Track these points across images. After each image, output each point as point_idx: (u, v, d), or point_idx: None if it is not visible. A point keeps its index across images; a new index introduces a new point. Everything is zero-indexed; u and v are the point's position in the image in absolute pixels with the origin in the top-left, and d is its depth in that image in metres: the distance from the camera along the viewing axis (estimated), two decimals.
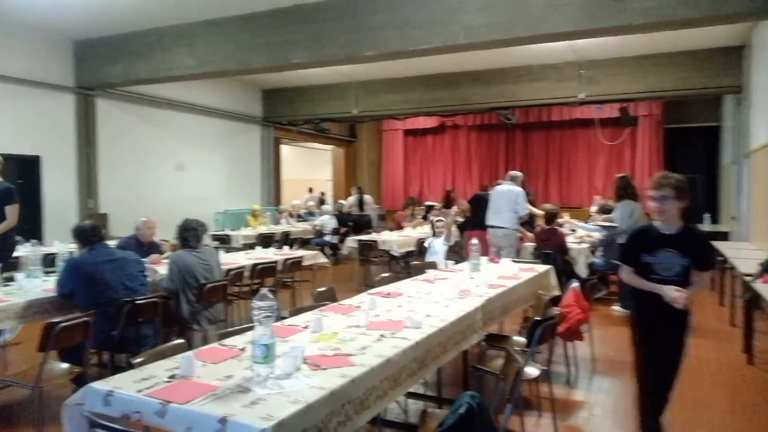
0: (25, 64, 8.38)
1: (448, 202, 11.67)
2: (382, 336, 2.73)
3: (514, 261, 5.57)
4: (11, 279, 4.37)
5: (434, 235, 6.83)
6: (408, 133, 16.25)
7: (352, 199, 13.78)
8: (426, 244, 6.84)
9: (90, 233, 3.85)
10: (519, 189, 7.36)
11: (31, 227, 8.31)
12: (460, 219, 9.01)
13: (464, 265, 5.02)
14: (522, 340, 3.79)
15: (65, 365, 3.54)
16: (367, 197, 13.94)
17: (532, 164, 14.61)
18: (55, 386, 3.59)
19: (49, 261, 5.50)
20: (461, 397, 2.05)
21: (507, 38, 6.48)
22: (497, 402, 2.59)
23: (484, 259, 5.10)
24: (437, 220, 7.09)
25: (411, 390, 3.22)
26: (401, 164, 16.37)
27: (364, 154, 16.88)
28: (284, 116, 13.42)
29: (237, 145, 12.91)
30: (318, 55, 7.42)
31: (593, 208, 10.06)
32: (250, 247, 8.40)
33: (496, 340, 4.08)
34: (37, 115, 8.62)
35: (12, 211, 5.15)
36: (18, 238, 6.49)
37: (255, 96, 13.29)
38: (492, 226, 7.27)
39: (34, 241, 6.83)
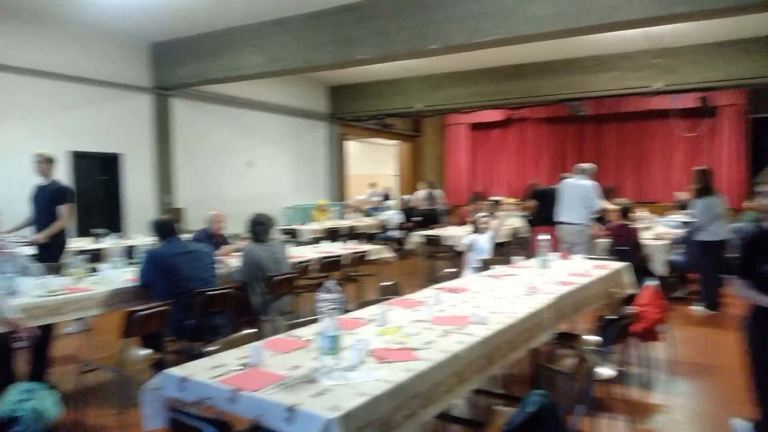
0: (107, 67, 8.87)
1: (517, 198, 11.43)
2: (447, 331, 2.69)
3: (586, 258, 5.37)
4: (95, 270, 4.63)
5: (476, 231, 6.53)
6: (473, 126, 16.02)
7: (421, 193, 13.73)
8: (467, 242, 6.47)
9: (167, 227, 4.02)
10: (591, 182, 7.09)
11: (114, 221, 8.82)
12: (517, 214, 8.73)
13: (532, 262, 4.90)
14: (594, 339, 3.65)
15: (145, 351, 3.72)
16: (437, 192, 13.85)
17: (603, 157, 14.04)
18: (135, 371, 3.79)
19: (130, 253, 5.79)
20: (530, 396, 1.99)
21: (576, 27, 6.26)
22: (567, 402, 2.51)
23: (553, 256, 4.95)
24: (480, 216, 6.81)
25: (478, 387, 3.17)
26: (466, 159, 16.17)
27: (428, 149, 16.81)
28: (349, 112, 13.57)
29: (303, 141, 13.17)
30: (382, 50, 7.44)
31: (680, 201, 9.46)
32: (316, 241, 8.55)
33: (567, 338, 3.95)
34: (117, 115, 9.12)
35: (64, 211, 5.21)
36: (101, 230, 6.90)
37: (320, 93, 13.50)
38: (563, 222, 7.03)
39: (117, 234, 7.23)
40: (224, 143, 11.06)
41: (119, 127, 9.17)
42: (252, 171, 11.66)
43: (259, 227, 4.63)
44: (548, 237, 4.75)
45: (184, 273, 3.95)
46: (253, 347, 2.28)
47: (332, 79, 12.77)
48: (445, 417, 3.19)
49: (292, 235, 9.65)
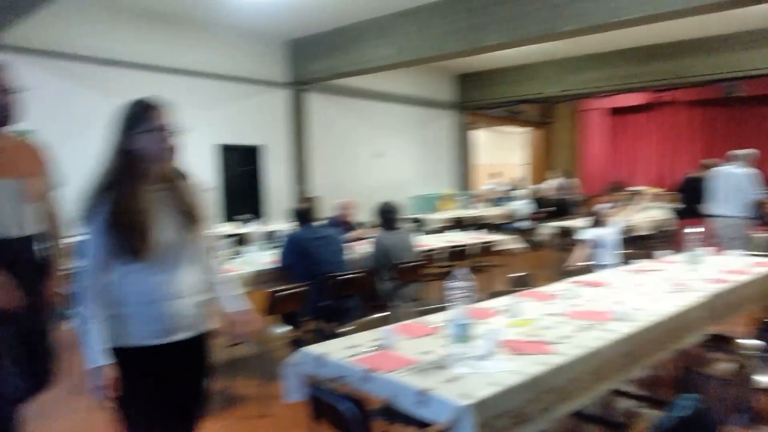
0: (248, 65, 9.52)
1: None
2: (584, 326, 2.56)
3: (744, 254, 4.83)
4: (240, 252, 5.02)
5: (596, 225, 5.95)
6: (611, 112, 15.03)
7: (553, 182, 13.20)
8: (585, 237, 5.85)
9: (304, 213, 4.26)
10: (749, 170, 6.35)
11: (256, 208, 9.51)
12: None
13: (679, 257, 4.50)
14: (754, 343, 3.28)
15: (283, 329, 3.97)
16: (571, 181, 13.24)
17: (763, 143, 12.51)
18: (275, 346, 4.06)
19: (270, 237, 6.19)
20: (680, 399, 1.83)
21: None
22: (720, 409, 2.28)
23: (704, 251, 4.51)
24: (603, 208, 6.24)
25: (617, 387, 2.99)
26: (602, 146, 15.22)
27: (560, 136, 16.07)
28: (476, 100, 13.36)
29: (430, 131, 13.20)
30: (513, 35, 7.22)
31: None
32: (442, 230, 8.56)
33: (720, 341, 3.58)
34: (258, 109, 9.78)
35: None
36: (245, 216, 7.47)
37: (447, 82, 13.43)
38: (717, 215, 6.38)
39: (259, 219, 7.79)
40: (354, 134, 11.43)
41: (260, 121, 9.83)
42: (380, 161, 11.93)
43: (388, 216, 4.73)
44: (699, 230, 4.32)
45: (317, 257, 4.15)
46: (386, 330, 2.33)
47: (460, 67, 12.64)
48: (581, 415, 3.04)
49: (418, 224, 9.74)
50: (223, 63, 9.14)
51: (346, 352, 2.20)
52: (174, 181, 1.98)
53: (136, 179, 1.88)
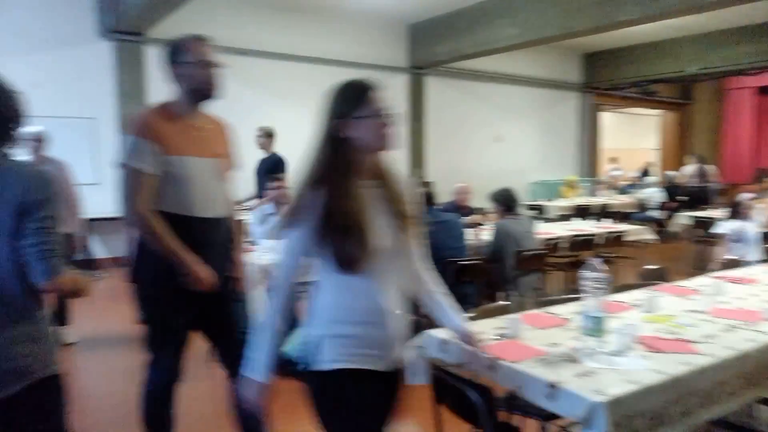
0: (371, 51, 9.67)
1: None
2: (732, 326, 2.34)
3: None
4: None
5: (736, 217, 5.30)
6: (757, 91, 13.48)
7: (689, 169, 12.15)
8: (725, 229, 5.23)
9: (424, 197, 4.27)
10: None
11: None
12: None
13: None
14: None
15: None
16: (709, 167, 12.13)
17: None
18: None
19: None
20: None
21: None
22: None
23: None
24: (744, 199, 5.53)
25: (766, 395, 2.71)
26: (750, 129, 13.72)
27: (699, 118, 14.69)
28: (605, 80, 12.57)
29: (552, 113, 12.66)
30: (650, 9, 6.67)
31: None
32: (564, 218, 8.21)
33: None
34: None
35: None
36: None
37: (573, 61, 12.76)
38: None
39: None
40: (472, 118, 11.25)
41: None
42: (498, 145, 11.66)
43: (509, 201, 4.61)
44: None
45: (436, 242, 4.14)
46: (512, 319, 2.28)
47: (588, 45, 11.94)
48: (722, 423, 2.80)
49: (538, 211, 9.43)
50: (347, 50, 9.36)
51: None
52: (385, 177, 1.69)
53: (349, 173, 1.60)
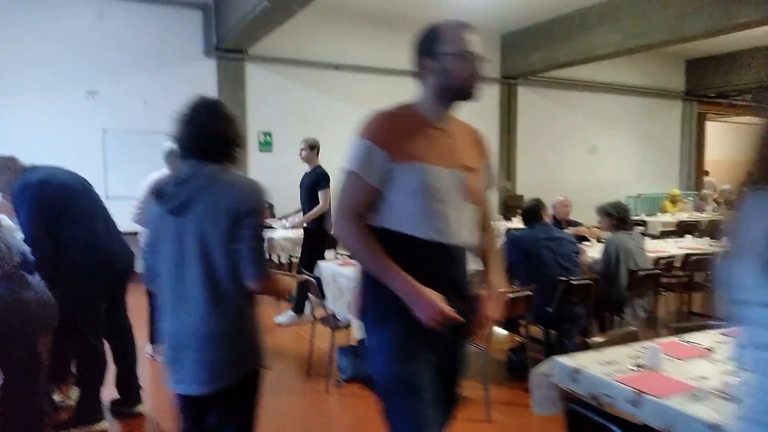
0: None
1: None
2: None
3: None
4: None
5: None
6: None
7: None
8: None
9: (533, 212, 4.08)
10: None
11: None
12: None
13: None
14: None
15: (505, 333, 3.86)
16: None
17: None
18: (495, 350, 3.96)
19: None
20: None
21: None
22: None
23: None
24: None
25: None
26: None
27: None
28: (712, 88, 11.76)
29: (653, 123, 11.97)
30: None
31: None
32: (668, 234, 7.67)
33: None
34: (469, 105, 9.75)
35: (323, 197, 5.16)
36: None
37: (676, 68, 12.03)
38: None
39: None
40: (565, 128, 10.84)
41: (469, 118, 9.80)
42: (594, 157, 11.16)
43: (625, 214, 4.33)
44: None
45: (545, 259, 3.95)
46: (651, 348, 2.08)
47: (691, 50, 11.21)
48: None
49: (643, 226, 8.88)
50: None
51: (605, 368, 2.01)
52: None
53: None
